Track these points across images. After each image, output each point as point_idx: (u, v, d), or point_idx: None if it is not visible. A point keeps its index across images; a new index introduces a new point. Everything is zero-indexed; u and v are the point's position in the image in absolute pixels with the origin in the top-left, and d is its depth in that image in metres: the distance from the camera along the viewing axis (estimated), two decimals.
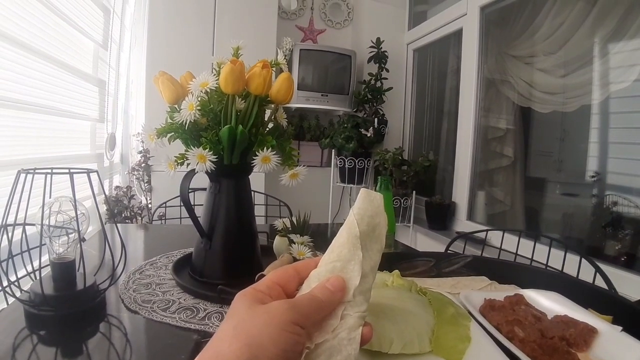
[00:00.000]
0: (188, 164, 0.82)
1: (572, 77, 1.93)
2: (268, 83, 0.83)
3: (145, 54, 2.34)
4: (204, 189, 0.92)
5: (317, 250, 1.00)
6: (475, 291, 0.70)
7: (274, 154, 0.84)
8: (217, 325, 0.71)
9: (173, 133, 0.85)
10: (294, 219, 1.08)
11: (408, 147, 3.12)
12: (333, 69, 2.89)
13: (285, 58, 0.93)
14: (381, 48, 2.82)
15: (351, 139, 2.60)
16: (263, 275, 0.44)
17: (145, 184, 2.34)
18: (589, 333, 0.53)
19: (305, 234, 1.03)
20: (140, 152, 2.29)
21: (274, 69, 0.87)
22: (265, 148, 0.83)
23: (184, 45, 2.36)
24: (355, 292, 0.37)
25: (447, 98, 2.80)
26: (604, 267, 1.17)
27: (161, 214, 1.90)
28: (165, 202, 1.85)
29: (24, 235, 0.77)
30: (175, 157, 0.84)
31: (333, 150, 2.79)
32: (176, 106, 0.86)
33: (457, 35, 2.55)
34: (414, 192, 2.56)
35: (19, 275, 0.74)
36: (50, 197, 0.69)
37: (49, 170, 0.67)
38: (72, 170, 0.69)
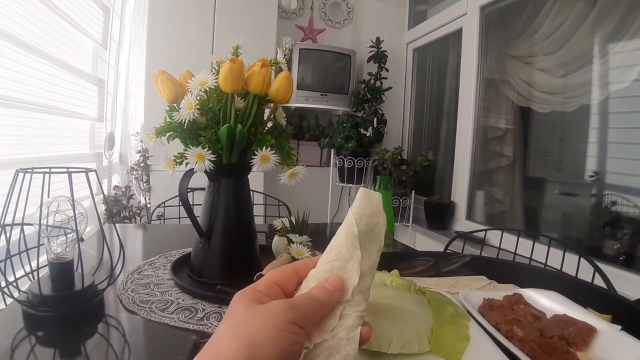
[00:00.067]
0: (187, 164, 0.82)
1: (571, 77, 1.93)
2: (267, 82, 0.83)
3: (144, 53, 2.33)
4: (203, 189, 0.92)
5: (316, 249, 1.00)
6: (474, 291, 0.70)
7: (273, 154, 0.84)
8: (216, 326, 0.71)
9: (172, 132, 0.85)
10: (292, 219, 1.08)
11: (407, 147, 3.12)
12: (332, 68, 2.89)
13: (284, 57, 0.93)
14: (381, 48, 2.82)
15: (350, 138, 2.60)
16: (262, 275, 0.44)
17: (144, 184, 2.34)
18: (588, 332, 0.53)
19: (304, 233, 1.03)
20: (139, 152, 2.29)
21: (273, 68, 0.87)
22: (264, 147, 0.83)
23: (183, 45, 2.35)
24: (354, 291, 0.37)
25: (447, 98, 2.80)
26: (603, 266, 1.17)
27: (160, 213, 1.90)
28: (164, 202, 1.85)
29: (22, 235, 0.77)
30: (174, 156, 0.84)
31: (332, 149, 2.79)
32: (175, 105, 0.86)
33: (457, 35, 2.55)
34: (413, 191, 2.56)
35: (17, 276, 0.74)
36: (48, 197, 0.69)
37: (47, 170, 0.67)
38: (70, 170, 0.69)
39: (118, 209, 2.17)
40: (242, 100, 0.85)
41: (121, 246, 0.82)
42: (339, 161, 2.73)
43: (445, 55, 2.83)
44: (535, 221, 2.27)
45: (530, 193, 2.29)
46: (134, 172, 2.32)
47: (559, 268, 1.25)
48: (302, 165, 0.90)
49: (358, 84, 2.93)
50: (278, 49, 2.62)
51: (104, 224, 1.34)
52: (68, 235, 0.71)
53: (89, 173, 0.72)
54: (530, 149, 2.31)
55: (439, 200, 2.48)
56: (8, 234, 0.69)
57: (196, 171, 0.83)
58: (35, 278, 0.71)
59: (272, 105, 0.90)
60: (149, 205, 2.34)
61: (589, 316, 0.57)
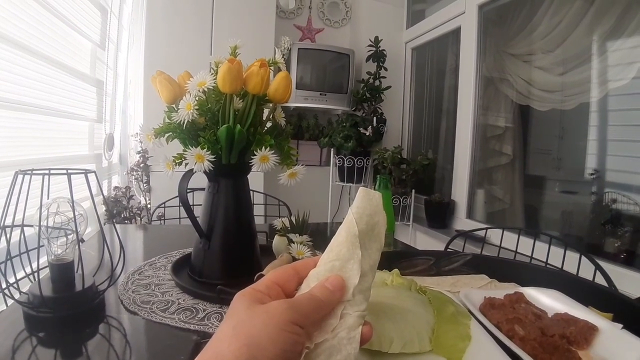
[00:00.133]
0: (186, 164, 0.82)
1: (570, 75, 1.93)
2: (266, 82, 0.83)
3: (143, 53, 2.33)
4: (203, 189, 0.92)
5: (316, 249, 1.00)
6: (475, 289, 0.70)
7: (272, 153, 0.84)
8: (217, 326, 0.71)
9: (171, 133, 0.85)
10: (293, 219, 1.08)
11: (407, 146, 3.12)
12: (331, 68, 2.88)
13: (283, 57, 0.93)
14: (379, 47, 2.82)
15: (350, 138, 2.60)
16: (262, 275, 0.44)
17: (144, 185, 2.34)
18: (590, 331, 0.53)
19: (305, 233, 1.03)
20: (138, 153, 2.29)
21: (271, 68, 0.87)
22: (263, 147, 0.83)
23: (182, 45, 2.35)
24: (354, 291, 0.37)
25: (446, 96, 2.80)
26: (603, 264, 1.17)
27: (160, 214, 1.90)
28: (164, 203, 1.85)
29: (22, 237, 0.77)
30: (173, 157, 0.84)
31: (332, 149, 2.78)
32: (174, 106, 0.86)
33: (456, 33, 2.55)
34: (413, 190, 2.56)
35: (18, 277, 0.74)
36: (48, 198, 0.69)
37: (47, 171, 0.67)
38: (69, 171, 0.69)
39: (118, 210, 2.17)
40: (241, 100, 0.85)
41: (121, 247, 0.82)
42: (339, 161, 2.73)
43: (444, 54, 2.83)
44: (535, 219, 2.27)
45: (531, 191, 2.29)
46: (134, 173, 2.32)
47: (559, 266, 1.25)
48: (302, 165, 0.90)
49: (357, 84, 2.93)
50: (276, 49, 2.60)
51: (104, 224, 1.34)
52: (68, 237, 0.71)
53: (89, 174, 0.72)
54: (529, 147, 2.31)
55: (439, 199, 2.48)
56: (8, 236, 0.69)
57: (196, 172, 0.83)
58: (36, 279, 0.71)
59: (271, 105, 0.90)
60: (149, 206, 2.34)
61: (590, 315, 0.57)
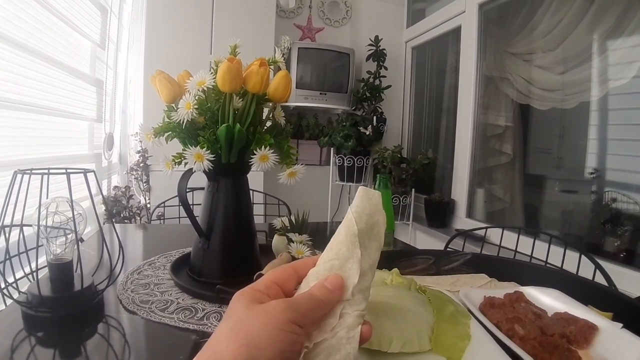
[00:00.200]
0: (186, 163, 0.81)
1: (570, 74, 1.93)
2: (265, 81, 0.83)
3: (143, 53, 2.33)
4: (202, 189, 0.92)
5: (315, 249, 1.00)
6: (475, 289, 0.70)
7: (272, 153, 0.83)
8: (216, 325, 0.71)
9: (170, 132, 0.85)
10: (292, 218, 1.08)
11: (407, 145, 3.12)
12: (331, 67, 2.88)
13: (283, 56, 0.93)
14: (379, 46, 2.81)
15: (350, 137, 2.60)
16: (261, 275, 0.44)
17: (144, 184, 2.34)
18: (590, 330, 0.53)
19: (304, 232, 1.03)
20: (138, 152, 2.29)
21: (271, 67, 0.87)
22: (263, 147, 0.83)
23: (181, 45, 2.35)
24: (354, 290, 0.37)
25: (446, 96, 2.80)
26: (603, 263, 1.17)
27: (160, 213, 1.90)
28: (164, 202, 1.85)
29: (21, 236, 0.77)
30: (172, 156, 0.84)
31: (332, 148, 2.78)
32: (173, 105, 0.85)
33: (456, 32, 2.55)
34: (413, 190, 2.56)
35: (17, 277, 0.74)
36: (47, 198, 0.69)
37: (46, 171, 0.67)
38: (68, 171, 0.68)
39: (118, 209, 2.17)
40: (241, 99, 0.85)
41: (121, 246, 0.82)
42: (339, 160, 2.73)
43: (444, 53, 2.83)
44: (535, 219, 2.26)
45: (531, 190, 2.28)
46: (134, 173, 2.32)
47: (559, 266, 1.25)
48: (302, 164, 0.90)
49: (357, 83, 2.92)
50: (276, 48, 2.61)
51: (103, 224, 1.34)
52: (67, 236, 0.71)
53: (88, 174, 0.72)
54: (530, 147, 2.31)
55: (439, 198, 2.48)
56: (7, 235, 0.69)
57: (195, 171, 0.83)
58: (35, 279, 0.71)
59: (270, 104, 0.90)
60: (148, 206, 2.34)
61: (590, 314, 0.57)
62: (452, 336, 0.47)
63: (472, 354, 0.45)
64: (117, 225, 1.59)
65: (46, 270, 0.74)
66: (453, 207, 2.48)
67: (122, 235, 1.40)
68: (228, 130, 0.81)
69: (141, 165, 2.30)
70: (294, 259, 0.92)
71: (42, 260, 0.74)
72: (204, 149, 0.80)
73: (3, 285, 0.69)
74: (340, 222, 0.41)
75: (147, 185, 2.34)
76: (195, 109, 0.81)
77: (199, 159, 0.80)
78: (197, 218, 0.89)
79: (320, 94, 2.80)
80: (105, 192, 2.15)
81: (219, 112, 0.83)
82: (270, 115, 0.92)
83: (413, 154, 2.97)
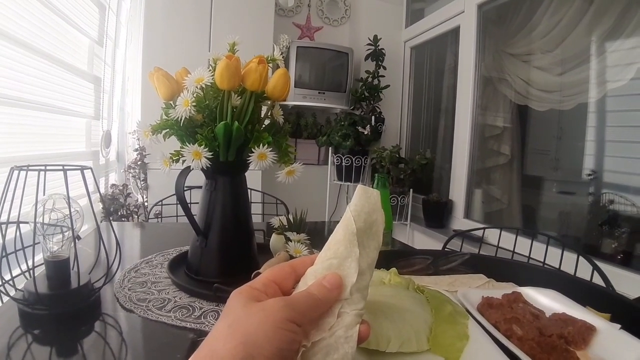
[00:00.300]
0: (183, 161, 0.81)
1: (569, 75, 1.93)
2: (264, 79, 0.82)
3: (141, 50, 2.32)
4: (200, 187, 0.92)
5: (313, 248, 1.00)
6: (473, 289, 0.70)
7: (270, 151, 0.83)
8: (213, 324, 0.71)
9: (168, 130, 0.84)
10: (290, 217, 1.08)
11: (405, 145, 3.12)
12: (330, 66, 2.88)
13: (282, 55, 0.92)
14: (378, 46, 2.81)
15: (348, 136, 2.60)
16: (259, 273, 0.43)
17: (142, 182, 2.33)
18: (588, 331, 0.53)
19: (302, 231, 1.03)
20: (136, 150, 2.28)
21: (270, 65, 0.87)
22: (261, 145, 0.83)
23: (180, 42, 2.34)
24: (352, 289, 0.37)
25: (445, 96, 2.80)
26: (601, 265, 1.17)
27: (157, 212, 1.89)
28: (161, 200, 1.84)
29: (17, 233, 0.76)
30: (170, 154, 0.83)
31: (330, 148, 2.78)
32: (171, 102, 0.85)
33: (455, 33, 2.55)
34: (411, 190, 2.56)
35: (13, 274, 0.73)
36: (44, 195, 0.69)
37: (43, 167, 0.67)
38: (65, 167, 0.68)
39: (115, 207, 2.16)
40: (239, 97, 0.85)
41: (118, 244, 0.82)
42: (337, 159, 2.73)
43: (442, 53, 2.83)
44: (533, 220, 2.27)
45: (528, 191, 2.29)
46: (131, 170, 2.31)
47: (557, 266, 1.25)
48: (300, 163, 0.90)
49: (356, 82, 2.92)
50: (275, 46, 2.60)
51: (100, 222, 1.33)
52: (64, 234, 0.71)
53: (85, 170, 0.71)
54: (528, 147, 2.32)
55: (437, 198, 2.48)
56: (4, 232, 0.68)
57: (193, 169, 0.82)
58: (32, 276, 0.70)
59: (269, 102, 0.90)
60: (146, 204, 2.33)
61: (588, 315, 0.57)
62: (450, 336, 0.47)
63: (470, 354, 0.45)
64: (114, 224, 1.59)
65: (43, 267, 0.73)
66: (451, 208, 2.49)
67: (119, 233, 1.40)
68: (226, 128, 0.80)
69: (139, 163, 2.29)
70: (291, 257, 0.92)
71: (39, 257, 0.73)
72: (202, 146, 0.79)
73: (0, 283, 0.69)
74: (338, 222, 0.41)
75: (144, 183, 2.34)
76: (193, 106, 0.80)
77: (197, 156, 0.79)
78: (194, 216, 0.89)
79: (319, 93, 2.80)
80: (102, 190, 2.14)
81: (217, 109, 0.83)
82: (269, 114, 0.91)
83: (411, 154, 2.97)
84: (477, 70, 2.35)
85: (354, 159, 2.66)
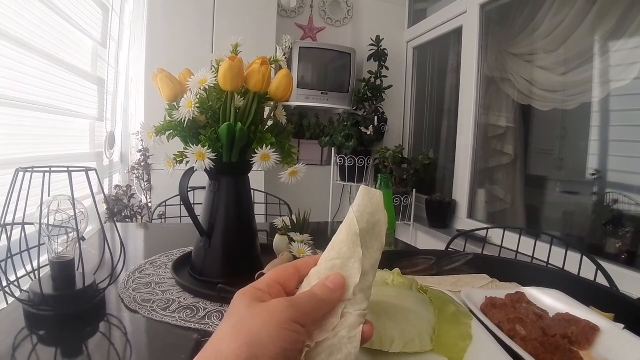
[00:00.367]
0: (187, 162, 0.81)
1: (572, 75, 1.92)
2: (267, 80, 0.83)
3: (144, 51, 2.33)
4: (204, 188, 0.92)
5: (317, 248, 1.00)
6: (477, 289, 0.70)
7: (273, 152, 0.83)
8: (217, 324, 0.71)
9: (172, 131, 0.85)
10: (294, 218, 1.08)
11: (408, 145, 3.12)
12: (333, 67, 2.88)
13: (284, 56, 0.93)
14: (381, 46, 2.81)
15: (351, 137, 2.60)
16: (263, 274, 0.44)
17: (145, 183, 2.34)
18: (591, 331, 0.53)
19: (305, 232, 1.03)
20: (140, 151, 2.29)
21: (273, 66, 0.87)
22: (264, 146, 0.83)
23: (183, 43, 2.35)
24: (355, 289, 0.37)
25: (447, 96, 2.80)
26: (605, 264, 1.17)
27: (161, 213, 1.90)
28: (165, 201, 1.85)
29: (23, 235, 0.77)
30: (174, 155, 0.84)
31: (333, 148, 2.78)
32: (175, 104, 0.85)
33: (457, 33, 2.55)
34: (414, 190, 2.55)
35: (19, 275, 0.74)
36: (49, 196, 0.69)
37: (48, 169, 0.67)
38: (70, 169, 0.68)
39: (119, 208, 2.17)
40: (242, 98, 0.85)
41: (122, 245, 0.82)
42: (340, 160, 2.73)
43: (445, 53, 2.83)
44: (537, 219, 2.26)
45: (532, 191, 2.28)
46: (135, 172, 2.32)
47: (561, 266, 1.25)
48: (303, 163, 0.90)
49: (358, 83, 2.93)
50: (278, 47, 2.61)
51: (105, 223, 1.34)
52: (69, 235, 0.71)
53: (89, 172, 0.72)
54: (531, 147, 2.31)
55: (440, 198, 2.48)
56: (9, 234, 0.69)
57: (196, 170, 0.83)
58: (37, 277, 0.71)
59: (272, 103, 0.90)
60: (150, 205, 2.34)
61: (592, 315, 0.57)
62: (454, 336, 0.47)
63: (473, 355, 0.45)
64: (118, 224, 1.59)
65: (48, 268, 0.74)
66: (454, 208, 2.48)
67: (123, 234, 1.41)
68: (229, 129, 0.81)
69: (142, 164, 2.30)
70: (295, 258, 0.92)
71: (44, 258, 0.74)
72: (206, 147, 0.80)
73: (5, 284, 0.69)
74: (341, 222, 0.41)
75: (148, 184, 2.34)
76: (197, 107, 0.81)
77: (201, 157, 0.80)
78: (198, 217, 0.89)
79: (322, 93, 2.80)
80: (106, 191, 2.15)
81: (220, 110, 0.83)
82: (272, 115, 0.92)
83: (414, 154, 2.97)
84: (480, 70, 2.34)
85: (356, 160, 2.66)
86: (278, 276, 0.39)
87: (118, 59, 2.24)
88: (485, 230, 1.54)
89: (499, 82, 2.34)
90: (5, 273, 0.69)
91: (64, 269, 0.72)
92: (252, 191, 1.00)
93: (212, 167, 0.81)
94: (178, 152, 0.83)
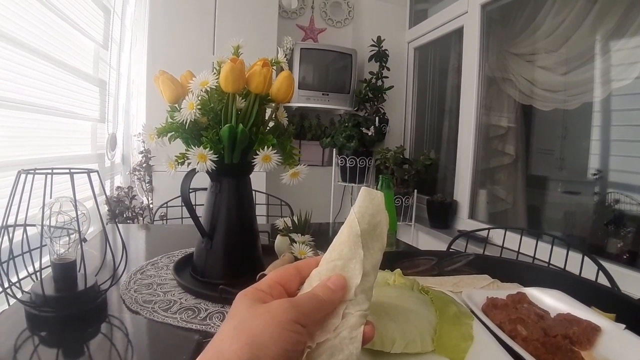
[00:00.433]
0: (189, 164, 0.82)
1: (573, 75, 1.92)
2: (268, 81, 0.83)
3: (145, 53, 2.33)
4: (205, 189, 0.92)
5: (318, 249, 1.00)
6: (478, 290, 0.70)
7: (274, 153, 0.84)
8: (219, 325, 0.71)
9: (173, 132, 0.85)
10: (295, 218, 1.08)
11: (409, 146, 3.12)
12: (334, 67, 2.88)
13: (286, 57, 0.93)
14: (382, 47, 2.82)
15: (352, 138, 2.60)
16: (264, 275, 0.44)
17: (147, 184, 2.34)
18: (592, 331, 0.53)
19: (307, 233, 1.03)
20: (141, 153, 2.29)
21: (274, 67, 0.87)
22: (266, 147, 0.83)
23: (184, 45, 2.35)
24: (356, 290, 0.37)
25: (448, 96, 2.80)
26: (606, 264, 1.17)
27: (162, 214, 1.90)
28: (166, 202, 1.85)
29: (24, 236, 0.77)
30: (175, 156, 0.84)
31: (334, 149, 2.78)
32: (176, 105, 0.86)
33: (458, 33, 2.55)
34: (415, 190, 2.55)
35: (20, 277, 0.74)
36: (50, 198, 0.69)
37: (49, 171, 0.67)
38: (72, 170, 0.69)
39: (121, 210, 2.18)
40: (244, 100, 0.85)
41: (124, 246, 0.82)
42: (341, 160, 2.73)
43: (446, 53, 2.83)
44: (538, 220, 2.26)
45: (533, 191, 2.28)
46: (137, 173, 2.32)
47: (562, 267, 1.25)
48: (304, 164, 0.90)
49: (359, 83, 2.93)
50: (279, 48, 2.61)
51: (106, 224, 1.34)
52: (71, 236, 0.71)
53: (91, 173, 0.72)
54: (532, 147, 2.31)
55: (441, 199, 2.48)
56: (11, 235, 0.69)
57: (198, 171, 0.83)
58: (38, 278, 0.71)
59: (273, 104, 0.90)
60: (151, 206, 2.34)
61: (593, 315, 0.56)
62: (455, 337, 0.47)
63: (474, 355, 0.45)
64: (120, 226, 1.59)
65: (50, 270, 0.74)
66: (455, 208, 2.48)
67: (125, 235, 1.41)
68: (231, 130, 0.81)
69: (144, 165, 2.30)
70: (296, 259, 0.92)
71: (46, 260, 0.74)
72: (207, 149, 0.80)
73: (6, 285, 0.70)
74: (342, 223, 0.41)
75: (149, 185, 2.35)
76: (198, 109, 0.81)
77: (202, 159, 0.80)
78: (199, 218, 0.89)
79: (323, 94, 2.80)
80: (108, 193, 2.15)
81: (221, 112, 0.83)
82: (273, 116, 0.92)
83: (415, 155, 2.97)
84: (481, 71, 2.34)
85: (358, 160, 2.66)
86: (279, 277, 0.39)
87: (119, 61, 2.24)
88: (487, 231, 1.54)
89: (500, 82, 2.34)
90: (7, 274, 0.70)
91: (65, 270, 0.73)
92: (254, 192, 1.00)
93: (213, 168, 0.81)
94: (179, 153, 0.83)
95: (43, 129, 1.43)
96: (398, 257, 0.85)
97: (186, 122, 0.80)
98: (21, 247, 0.76)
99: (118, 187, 2.25)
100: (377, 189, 0.93)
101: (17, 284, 0.72)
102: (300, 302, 0.35)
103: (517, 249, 1.41)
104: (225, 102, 0.83)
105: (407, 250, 1.34)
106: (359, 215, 0.39)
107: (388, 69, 2.85)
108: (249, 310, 0.34)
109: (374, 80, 2.84)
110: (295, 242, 0.98)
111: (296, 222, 1.07)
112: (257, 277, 0.75)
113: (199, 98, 0.82)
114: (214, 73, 0.85)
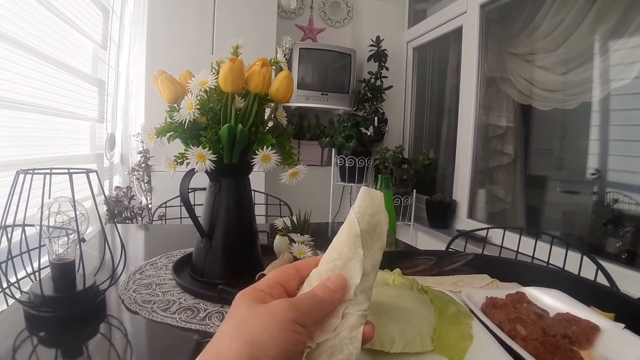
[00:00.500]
0: (188, 164, 0.81)
1: (572, 75, 1.92)
2: (267, 81, 0.83)
3: (144, 53, 2.33)
4: (204, 189, 0.92)
5: (317, 249, 1.00)
6: (477, 289, 0.70)
7: (273, 153, 0.84)
8: (218, 325, 0.71)
9: (172, 132, 0.85)
10: (294, 218, 1.08)
11: (408, 146, 3.12)
12: (333, 67, 2.88)
13: (285, 57, 0.93)
14: (381, 46, 2.82)
15: (351, 137, 2.60)
16: (264, 275, 0.44)
17: (146, 184, 2.34)
18: (592, 331, 0.53)
19: (306, 233, 1.03)
20: (140, 153, 2.29)
21: (273, 67, 0.87)
22: (265, 147, 0.83)
23: (183, 45, 2.35)
24: (356, 290, 0.37)
25: (447, 96, 2.80)
26: (605, 264, 1.17)
27: (161, 214, 1.90)
28: (165, 202, 1.85)
29: (23, 236, 0.77)
30: (174, 156, 0.84)
31: (333, 149, 2.78)
32: (175, 105, 0.85)
33: (457, 33, 2.55)
34: (415, 190, 2.55)
35: (19, 277, 0.74)
36: (49, 198, 0.69)
37: (48, 171, 0.67)
38: (71, 171, 0.69)
39: (120, 210, 2.17)
40: (243, 100, 0.85)
41: (123, 246, 0.82)
42: (340, 160, 2.73)
43: (445, 53, 2.83)
44: (537, 219, 2.26)
45: (532, 191, 2.28)
46: (135, 173, 2.32)
47: (561, 266, 1.25)
48: (303, 164, 0.90)
49: (358, 83, 2.93)
50: (278, 48, 2.61)
51: (105, 224, 1.34)
52: (69, 236, 0.71)
53: (90, 174, 0.72)
54: (531, 147, 2.31)
55: (440, 198, 2.48)
56: (9, 235, 0.69)
57: (197, 171, 0.83)
58: (37, 279, 0.71)
59: (272, 104, 0.90)
60: (150, 206, 2.34)
61: (592, 314, 0.57)
62: (454, 336, 0.47)
63: (474, 355, 0.45)
64: (118, 226, 1.59)
65: (48, 270, 0.74)
66: (454, 208, 2.48)
67: (123, 235, 1.41)
68: (230, 130, 0.81)
69: (143, 165, 2.30)
70: (296, 259, 0.92)
71: (45, 260, 0.74)
72: (206, 149, 0.80)
73: (5, 285, 0.69)
74: (341, 223, 0.41)
75: (148, 185, 2.35)
76: (197, 109, 0.81)
77: (201, 159, 0.80)
78: (199, 218, 0.89)
79: (322, 94, 2.80)
80: (107, 193, 2.15)
81: (221, 112, 0.83)
82: (272, 116, 0.92)
83: (414, 155, 2.97)
84: (480, 70, 2.34)
85: (357, 160, 2.66)
86: (279, 277, 0.39)
87: (118, 61, 2.24)
88: (486, 231, 1.54)
89: (499, 82, 2.34)
90: (5, 274, 0.69)
91: (64, 271, 0.72)
92: (253, 192, 1.00)
93: (212, 168, 0.81)
94: (178, 153, 0.83)
95: (42, 129, 1.43)
96: (397, 257, 0.85)
97: (185, 122, 0.80)
98: (20, 247, 0.76)
99: (117, 187, 2.25)
100: (376, 188, 0.93)
101: (16, 284, 0.72)
102: (299, 302, 0.35)
103: (516, 249, 1.41)
104: (225, 102, 0.83)
105: (407, 250, 1.34)
106: (358, 215, 0.39)
107: (387, 69, 2.85)
108: (249, 310, 0.34)
109: (373, 80, 2.84)
110: (295, 242, 0.98)
111: (295, 222, 1.07)
112: (257, 277, 0.75)
113: (198, 98, 0.82)
114: (213, 73, 0.85)
